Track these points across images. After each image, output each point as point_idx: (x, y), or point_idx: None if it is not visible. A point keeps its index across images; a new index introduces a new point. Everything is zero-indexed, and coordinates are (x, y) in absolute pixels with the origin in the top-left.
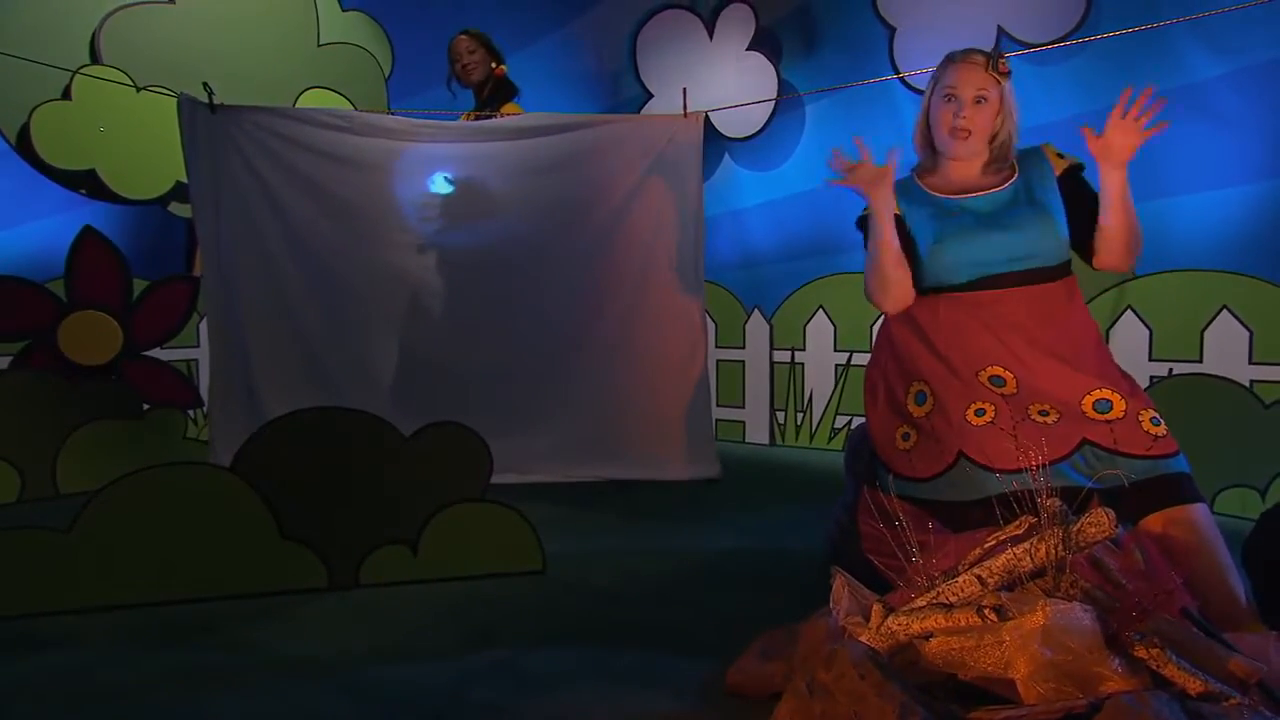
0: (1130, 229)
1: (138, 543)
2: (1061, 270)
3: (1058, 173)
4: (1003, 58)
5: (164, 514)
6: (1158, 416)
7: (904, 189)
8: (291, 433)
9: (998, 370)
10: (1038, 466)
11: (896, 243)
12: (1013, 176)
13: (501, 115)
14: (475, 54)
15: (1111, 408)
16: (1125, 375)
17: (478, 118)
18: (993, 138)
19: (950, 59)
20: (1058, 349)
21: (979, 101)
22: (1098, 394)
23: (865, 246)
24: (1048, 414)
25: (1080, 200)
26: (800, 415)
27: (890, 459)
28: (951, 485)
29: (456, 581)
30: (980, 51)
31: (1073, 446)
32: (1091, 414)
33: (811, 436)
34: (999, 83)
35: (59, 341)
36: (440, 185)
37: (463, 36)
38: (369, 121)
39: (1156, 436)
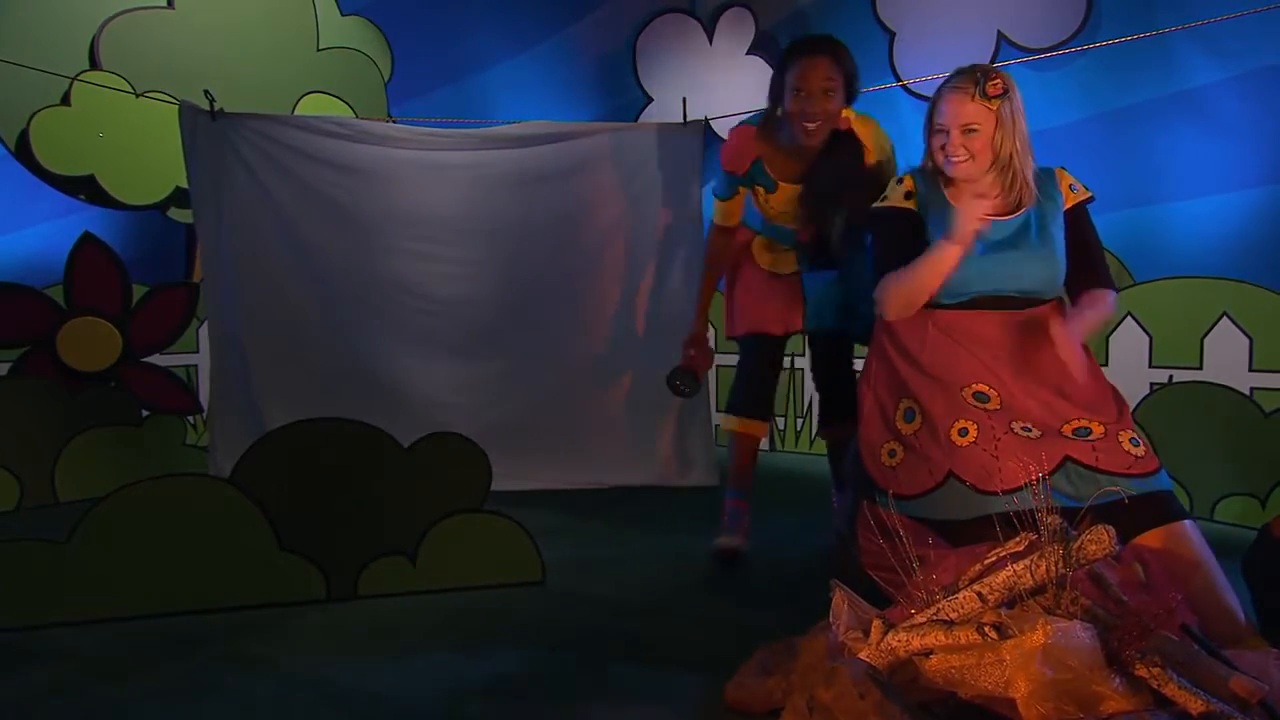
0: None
1: (135, 554)
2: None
3: (1066, 206)
4: (992, 80)
5: (162, 525)
6: (1136, 438)
7: (930, 188)
8: (290, 443)
9: (982, 387)
10: (1035, 480)
11: None
12: (1029, 201)
13: None
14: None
15: (1090, 433)
16: (1112, 398)
17: None
18: (995, 157)
19: (941, 87)
20: (1038, 372)
21: (969, 132)
22: (1077, 422)
23: (880, 233)
24: (1030, 430)
25: (1075, 241)
26: (800, 421)
27: (875, 473)
28: (938, 504)
29: (455, 592)
30: (969, 77)
31: (1056, 463)
32: (1071, 437)
33: (811, 443)
34: (990, 108)
35: (58, 348)
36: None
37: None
38: (368, 129)
39: (1137, 456)
